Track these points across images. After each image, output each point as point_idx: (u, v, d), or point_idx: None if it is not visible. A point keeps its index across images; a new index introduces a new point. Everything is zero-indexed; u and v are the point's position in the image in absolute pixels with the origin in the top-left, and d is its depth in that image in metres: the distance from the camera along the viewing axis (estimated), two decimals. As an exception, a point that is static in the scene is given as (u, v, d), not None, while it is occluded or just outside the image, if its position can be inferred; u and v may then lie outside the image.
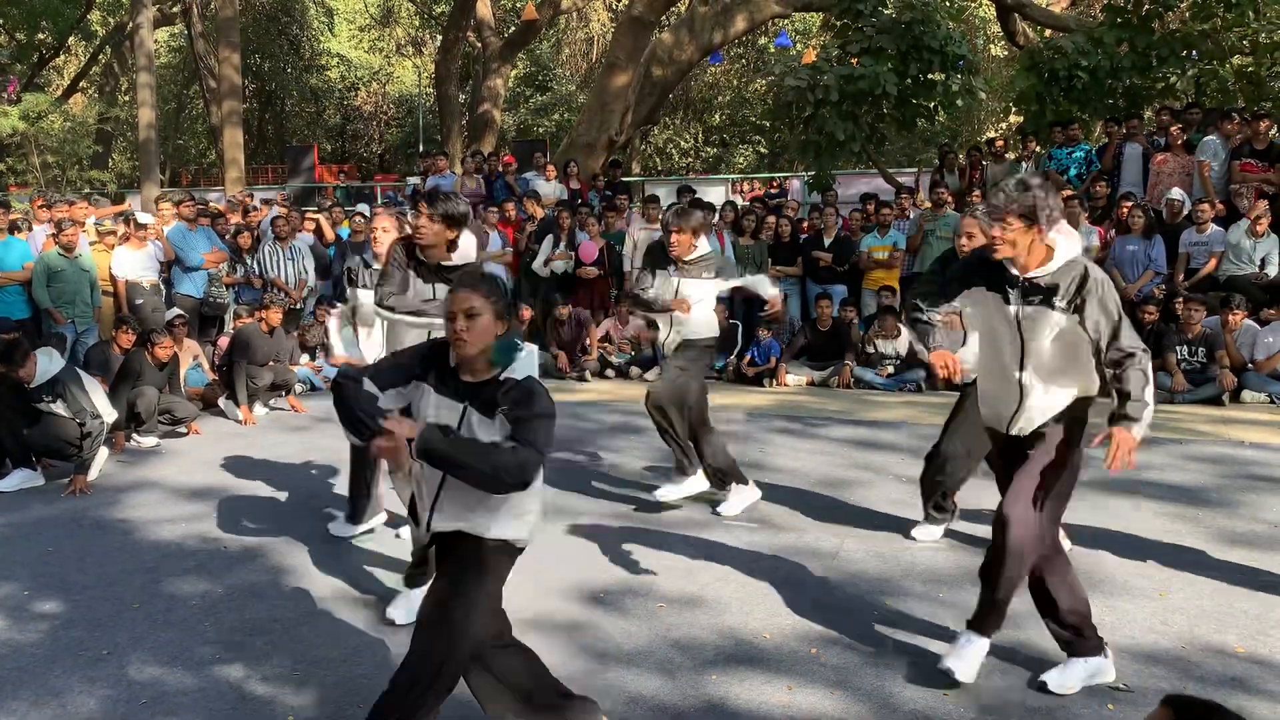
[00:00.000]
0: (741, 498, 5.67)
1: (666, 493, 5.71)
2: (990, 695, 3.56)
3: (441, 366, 3.03)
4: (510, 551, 3.07)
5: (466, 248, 4.61)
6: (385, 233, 5.11)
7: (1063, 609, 3.61)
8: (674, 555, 5.01)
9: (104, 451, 6.75)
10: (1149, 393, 3.42)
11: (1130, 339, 3.45)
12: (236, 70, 19.31)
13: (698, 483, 5.72)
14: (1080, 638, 3.62)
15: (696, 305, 5.53)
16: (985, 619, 3.66)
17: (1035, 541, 3.53)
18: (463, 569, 3.02)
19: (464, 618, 2.94)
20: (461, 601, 2.96)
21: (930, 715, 3.44)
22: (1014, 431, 3.68)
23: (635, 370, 10.46)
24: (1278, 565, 4.74)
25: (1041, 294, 3.51)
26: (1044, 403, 3.61)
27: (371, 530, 5.36)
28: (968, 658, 3.62)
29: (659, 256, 5.64)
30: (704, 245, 5.61)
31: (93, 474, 6.54)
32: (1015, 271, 3.57)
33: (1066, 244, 3.54)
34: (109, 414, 6.66)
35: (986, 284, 3.65)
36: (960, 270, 3.87)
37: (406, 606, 4.18)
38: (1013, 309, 3.58)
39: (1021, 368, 3.60)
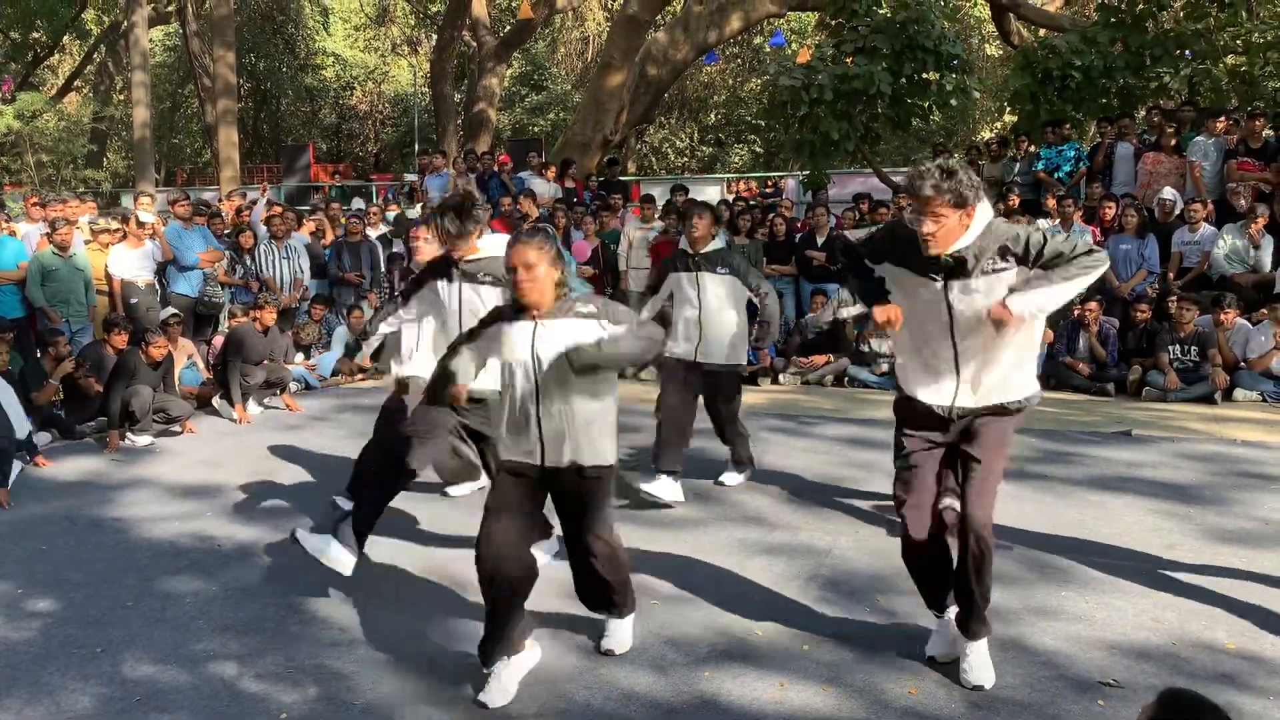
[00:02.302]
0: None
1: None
2: (981, 691, 3.57)
3: (512, 311, 3.58)
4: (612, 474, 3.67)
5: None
6: (427, 244, 5.07)
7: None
8: (667, 552, 5.02)
9: (16, 465, 6.52)
10: (1053, 293, 3.41)
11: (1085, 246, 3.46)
12: (231, 69, 19.28)
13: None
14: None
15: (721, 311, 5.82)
16: (979, 624, 3.64)
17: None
18: (590, 499, 3.63)
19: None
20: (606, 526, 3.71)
21: (921, 712, 3.46)
22: (958, 410, 3.58)
23: (629, 369, 10.46)
24: (1269, 562, 4.77)
25: (964, 264, 3.43)
26: (985, 376, 3.53)
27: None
28: (981, 666, 3.62)
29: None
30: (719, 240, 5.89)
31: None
32: (934, 251, 3.44)
33: (981, 210, 3.46)
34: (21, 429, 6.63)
35: (905, 264, 3.54)
36: (877, 246, 3.69)
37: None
38: (938, 284, 3.48)
39: (954, 342, 3.52)
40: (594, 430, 3.54)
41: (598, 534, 3.67)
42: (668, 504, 5.69)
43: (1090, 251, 3.43)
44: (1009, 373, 3.57)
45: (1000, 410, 3.60)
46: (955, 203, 3.38)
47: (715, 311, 5.78)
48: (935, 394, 3.64)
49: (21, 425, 6.66)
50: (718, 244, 5.83)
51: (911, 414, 3.72)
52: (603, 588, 3.79)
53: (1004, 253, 3.43)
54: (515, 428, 3.57)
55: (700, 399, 5.93)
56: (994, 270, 3.45)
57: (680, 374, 5.86)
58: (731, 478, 6.18)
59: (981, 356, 3.54)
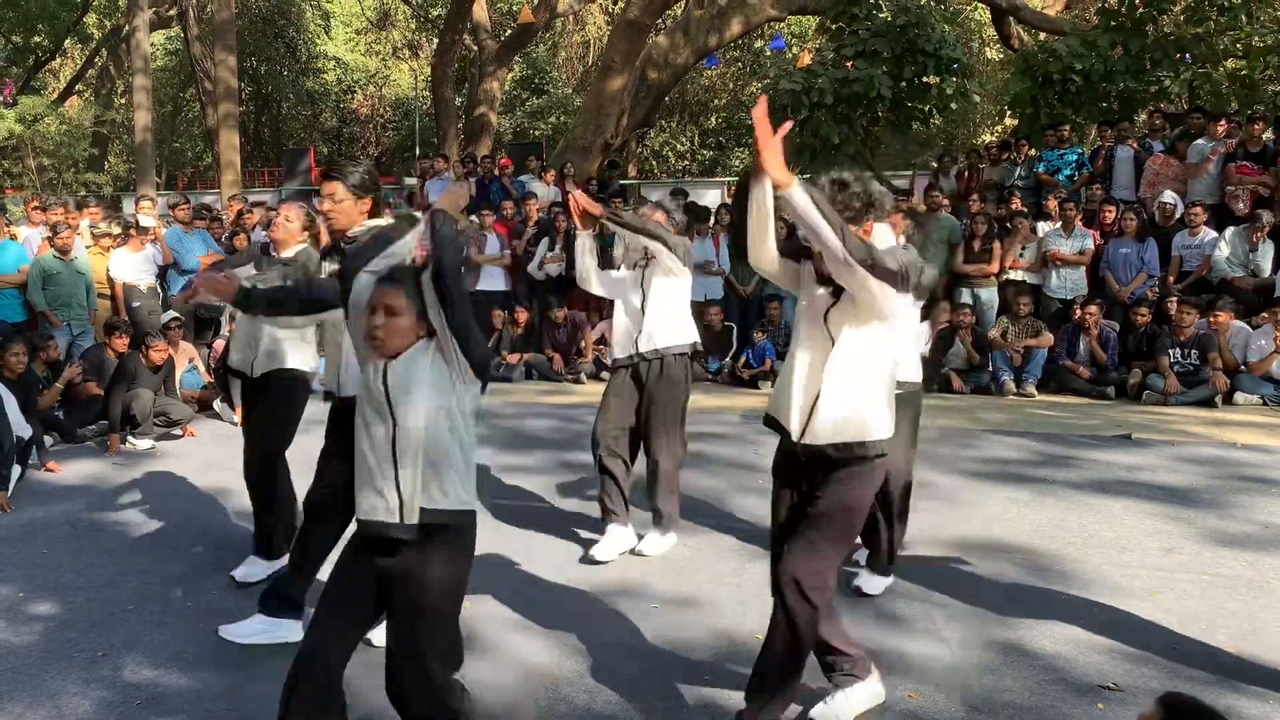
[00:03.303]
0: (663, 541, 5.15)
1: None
2: (980, 695, 3.58)
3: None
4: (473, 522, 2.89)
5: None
6: (289, 223, 4.72)
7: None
8: (667, 556, 5.02)
9: (17, 470, 6.46)
10: (810, 216, 2.87)
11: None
12: (232, 73, 19.29)
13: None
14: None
15: (666, 299, 5.03)
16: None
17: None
18: (443, 553, 2.81)
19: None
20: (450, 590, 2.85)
21: (922, 716, 3.46)
22: (803, 446, 3.19)
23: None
24: (1268, 565, 4.78)
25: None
26: (832, 398, 3.13)
27: None
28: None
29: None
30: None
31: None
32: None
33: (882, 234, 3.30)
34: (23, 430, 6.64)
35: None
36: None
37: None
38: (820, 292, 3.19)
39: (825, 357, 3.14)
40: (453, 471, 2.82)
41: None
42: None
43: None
44: (862, 401, 3.12)
45: (847, 457, 3.13)
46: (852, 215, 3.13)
47: (658, 301, 5.01)
48: (787, 415, 3.23)
49: (22, 428, 6.67)
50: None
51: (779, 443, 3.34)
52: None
53: None
54: (365, 480, 2.84)
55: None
56: None
57: (618, 384, 5.11)
58: (653, 543, 5.08)
59: (831, 370, 3.13)
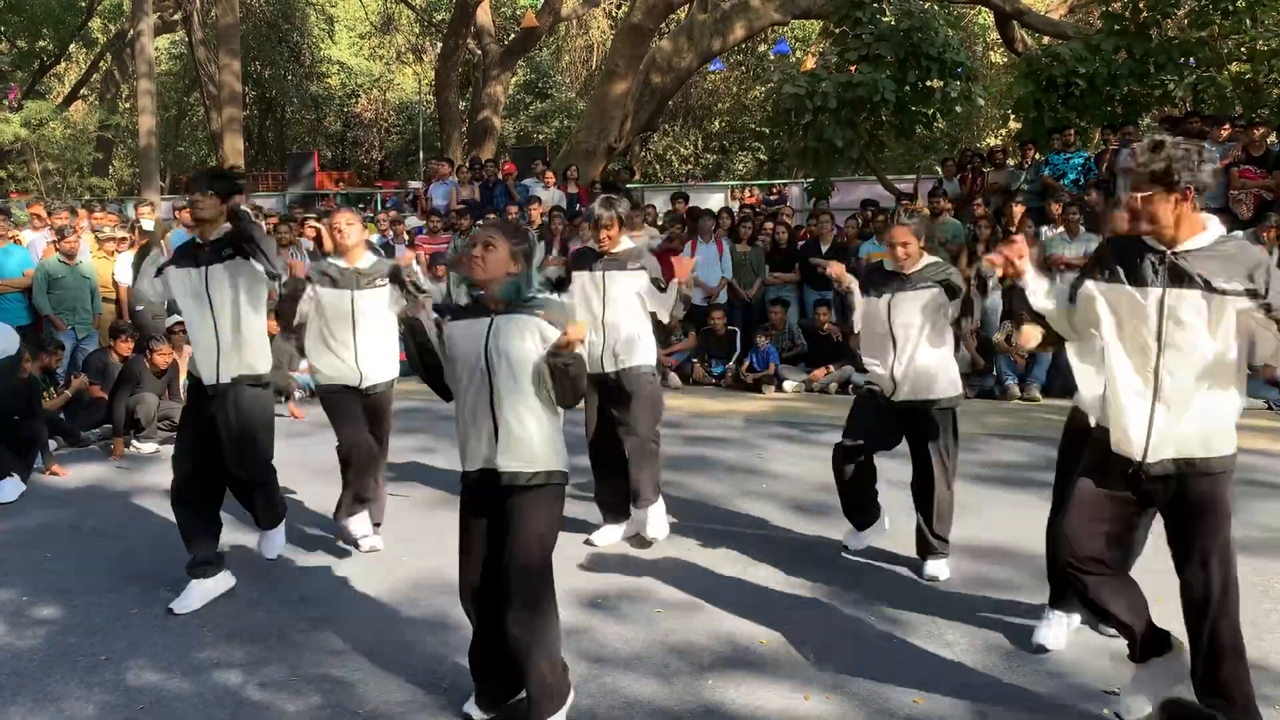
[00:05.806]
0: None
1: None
2: (985, 700, 3.57)
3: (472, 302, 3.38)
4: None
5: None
6: (349, 225, 5.20)
7: None
8: (671, 560, 5.02)
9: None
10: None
11: None
12: (237, 77, 19.36)
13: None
14: None
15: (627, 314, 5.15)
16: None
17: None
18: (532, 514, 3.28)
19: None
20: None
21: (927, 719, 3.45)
22: (1152, 460, 3.14)
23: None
24: (1273, 570, 4.76)
25: (1196, 274, 2.97)
26: (1182, 419, 3.09)
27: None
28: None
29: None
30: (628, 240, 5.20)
31: None
32: (1162, 246, 3.03)
33: (1217, 221, 3.06)
34: None
35: (1122, 270, 3.10)
36: (1096, 254, 3.29)
37: None
38: (1156, 291, 3.03)
39: (1157, 371, 3.07)
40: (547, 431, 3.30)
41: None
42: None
43: None
44: (1209, 410, 3.10)
45: (1204, 470, 3.17)
46: (1157, 179, 2.98)
47: (620, 310, 5.15)
48: (1128, 434, 3.17)
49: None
50: (627, 243, 5.19)
51: (1101, 456, 3.28)
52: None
53: (1238, 275, 2.98)
54: (470, 436, 3.32)
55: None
56: (1225, 291, 2.97)
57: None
58: (656, 526, 5.27)
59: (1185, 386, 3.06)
